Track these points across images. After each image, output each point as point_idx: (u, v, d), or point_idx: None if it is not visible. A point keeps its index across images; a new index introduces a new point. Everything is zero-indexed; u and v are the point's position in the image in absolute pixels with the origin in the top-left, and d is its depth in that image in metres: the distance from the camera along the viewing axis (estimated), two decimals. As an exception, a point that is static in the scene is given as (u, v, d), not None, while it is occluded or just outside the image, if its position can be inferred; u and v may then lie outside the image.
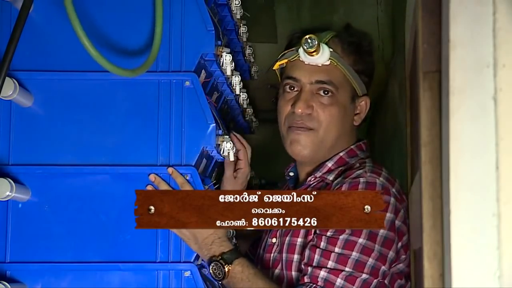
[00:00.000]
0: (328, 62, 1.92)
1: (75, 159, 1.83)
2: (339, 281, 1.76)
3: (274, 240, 1.98)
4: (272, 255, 1.97)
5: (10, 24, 1.81)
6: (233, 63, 1.99)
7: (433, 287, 1.20)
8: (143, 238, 1.81)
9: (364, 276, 1.77)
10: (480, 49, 1.12)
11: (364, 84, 2.00)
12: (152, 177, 1.82)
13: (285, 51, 1.99)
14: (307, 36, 1.87)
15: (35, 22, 1.84)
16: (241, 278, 1.84)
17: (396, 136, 2.71)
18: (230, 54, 1.94)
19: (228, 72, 1.98)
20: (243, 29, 2.26)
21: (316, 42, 1.86)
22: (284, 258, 1.91)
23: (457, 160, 1.10)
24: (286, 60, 1.98)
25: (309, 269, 1.80)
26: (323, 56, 1.90)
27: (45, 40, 1.86)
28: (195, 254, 1.83)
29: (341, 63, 1.92)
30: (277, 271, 1.93)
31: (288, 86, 1.98)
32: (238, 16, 2.16)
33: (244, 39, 2.31)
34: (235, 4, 2.10)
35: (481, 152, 1.10)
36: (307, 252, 1.83)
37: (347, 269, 1.77)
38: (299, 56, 1.93)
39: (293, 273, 1.89)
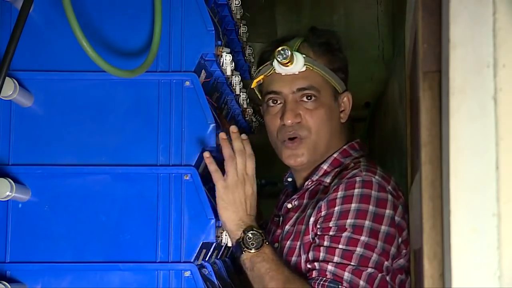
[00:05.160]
0: (304, 69, 1.93)
1: (75, 159, 1.83)
2: (346, 274, 1.78)
3: (276, 245, 1.99)
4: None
5: (10, 24, 1.81)
6: (233, 63, 1.99)
7: (433, 287, 1.21)
8: (143, 238, 1.81)
9: (369, 270, 1.79)
10: (480, 49, 1.12)
11: (342, 80, 2.01)
12: (234, 128, 1.87)
13: (260, 68, 1.99)
14: (279, 48, 1.88)
15: (35, 22, 1.84)
16: (272, 258, 1.83)
17: (396, 136, 2.71)
18: (230, 54, 1.94)
19: (228, 72, 1.98)
20: (243, 29, 2.26)
21: (289, 53, 1.87)
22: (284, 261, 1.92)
23: (457, 160, 1.10)
24: (262, 76, 1.98)
25: (316, 264, 1.81)
26: (298, 64, 1.92)
27: (45, 40, 1.86)
28: (195, 254, 1.83)
29: (316, 66, 1.93)
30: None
31: (271, 101, 1.98)
32: (238, 16, 2.17)
33: (244, 39, 2.31)
34: (235, 4, 2.11)
35: (481, 152, 1.10)
36: (311, 253, 1.84)
37: (352, 263, 1.78)
38: (274, 69, 1.94)
39: None
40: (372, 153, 3.08)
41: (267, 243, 1.84)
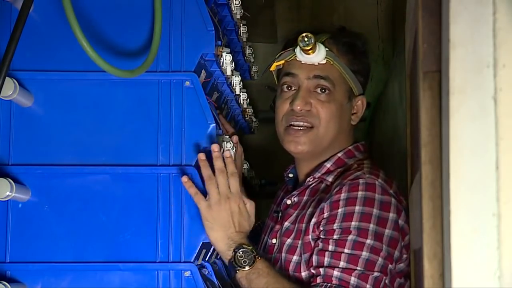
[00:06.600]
0: (324, 61, 1.93)
1: (75, 159, 1.83)
2: (353, 279, 1.77)
3: (274, 240, 1.99)
4: (272, 255, 1.97)
5: (10, 24, 1.81)
6: (233, 63, 1.99)
7: (433, 287, 1.20)
8: (143, 238, 1.81)
9: (375, 274, 1.79)
10: (480, 49, 1.12)
11: (360, 84, 2.01)
12: (216, 147, 1.80)
13: (282, 52, 2.00)
14: (303, 34, 1.88)
15: (35, 22, 1.84)
16: (267, 272, 1.82)
17: (396, 136, 2.71)
18: (230, 54, 1.94)
19: (228, 72, 1.98)
20: (243, 29, 2.26)
21: (312, 41, 1.87)
22: (283, 258, 1.92)
23: (457, 160, 1.10)
24: (283, 61, 1.99)
25: (321, 270, 1.80)
26: (319, 55, 1.92)
27: (45, 40, 1.86)
28: (195, 254, 1.83)
29: (337, 62, 1.94)
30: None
31: (285, 86, 1.99)
32: (238, 16, 2.17)
33: (244, 39, 2.31)
34: (235, 4, 2.10)
35: (481, 152, 1.10)
36: (315, 258, 1.83)
37: (359, 268, 1.78)
38: (295, 56, 1.94)
39: (291, 273, 1.89)
40: (372, 153, 3.07)
41: (259, 258, 1.83)
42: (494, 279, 1.08)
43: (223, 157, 1.83)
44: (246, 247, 1.82)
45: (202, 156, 1.80)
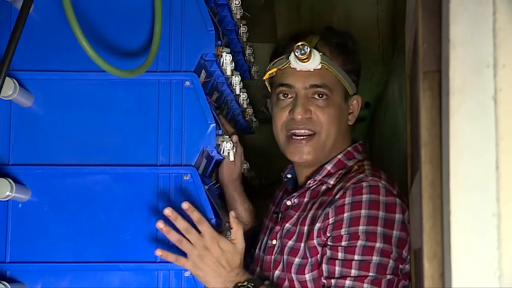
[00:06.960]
0: (319, 67, 1.92)
1: (75, 159, 1.83)
2: (366, 286, 1.77)
3: (274, 242, 1.98)
4: (273, 256, 1.96)
5: (10, 24, 1.82)
6: (233, 63, 1.99)
7: (433, 287, 1.20)
8: (143, 238, 1.81)
9: (388, 277, 1.78)
10: (480, 49, 1.12)
11: (354, 83, 2.00)
12: (168, 211, 1.74)
13: (274, 60, 1.99)
14: (299, 44, 1.87)
15: (35, 22, 1.84)
16: None
17: (396, 136, 2.70)
18: (230, 54, 1.94)
19: (228, 72, 1.98)
20: (243, 29, 2.26)
21: (308, 49, 1.86)
22: (285, 260, 1.91)
23: (457, 160, 1.10)
24: (275, 69, 1.98)
25: (333, 281, 1.79)
26: (314, 61, 1.90)
27: (45, 40, 1.86)
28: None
29: (332, 66, 1.93)
30: (277, 272, 1.93)
31: (281, 94, 1.98)
32: (238, 16, 2.16)
33: (244, 39, 2.31)
34: (235, 4, 2.10)
35: (481, 152, 1.10)
36: (324, 267, 1.82)
37: (371, 274, 1.77)
38: (290, 64, 1.93)
39: (293, 275, 1.89)
40: (372, 153, 3.08)
41: None
42: (494, 279, 1.08)
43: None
44: (241, 285, 1.81)
45: (161, 224, 1.74)
